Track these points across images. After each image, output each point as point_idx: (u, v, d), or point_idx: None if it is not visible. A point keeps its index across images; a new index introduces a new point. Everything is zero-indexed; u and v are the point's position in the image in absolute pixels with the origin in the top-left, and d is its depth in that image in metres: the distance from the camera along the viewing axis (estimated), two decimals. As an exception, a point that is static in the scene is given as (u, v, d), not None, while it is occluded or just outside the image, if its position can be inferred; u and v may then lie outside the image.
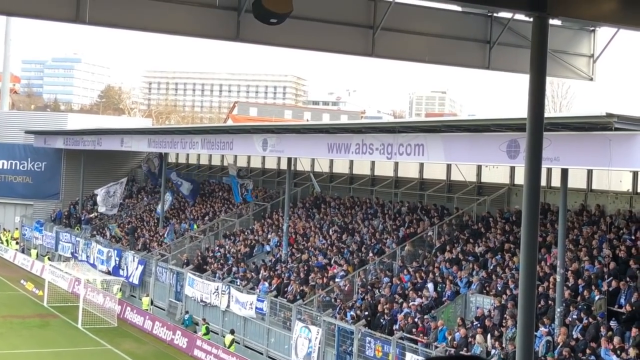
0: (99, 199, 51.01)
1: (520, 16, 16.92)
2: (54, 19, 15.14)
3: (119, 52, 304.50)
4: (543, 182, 24.29)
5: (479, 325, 24.52)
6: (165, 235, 44.91)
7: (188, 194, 48.24)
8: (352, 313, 28.33)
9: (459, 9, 16.99)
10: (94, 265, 46.19)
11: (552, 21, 16.08)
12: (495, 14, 17.45)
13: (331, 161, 42.05)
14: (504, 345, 23.07)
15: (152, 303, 39.97)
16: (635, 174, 27.00)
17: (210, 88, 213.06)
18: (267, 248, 38.53)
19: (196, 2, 15.00)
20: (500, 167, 30.88)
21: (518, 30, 17.57)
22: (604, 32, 18.89)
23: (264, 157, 47.02)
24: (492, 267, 27.21)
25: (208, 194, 50.48)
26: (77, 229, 53.99)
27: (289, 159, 36.64)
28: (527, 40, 16.38)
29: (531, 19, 15.67)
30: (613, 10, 15.15)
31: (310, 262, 33.99)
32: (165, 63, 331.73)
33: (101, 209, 51.27)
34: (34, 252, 54.78)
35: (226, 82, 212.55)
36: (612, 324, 21.74)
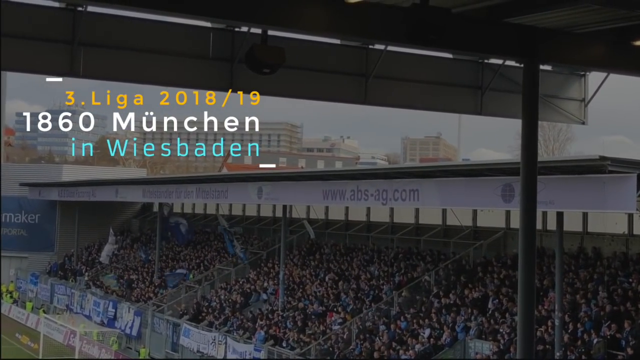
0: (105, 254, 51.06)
1: (511, 62, 17.10)
2: (48, 73, 15.24)
3: (113, 103, 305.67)
4: (539, 226, 24.32)
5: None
6: (168, 284, 44.60)
7: (185, 233, 48.13)
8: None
9: (450, 56, 17.18)
10: (89, 317, 45.81)
11: (542, 66, 16.29)
12: (486, 60, 17.64)
13: (327, 208, 42.04)
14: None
15: (149, 354, 39.55)
16: (630, 216, 27.02)
17: (204, 137, 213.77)
18: (264, 296, 38.28)
19: (190, 54, 15.15)
20: (495, 211, 30.89)
21: (509, 75, 17.76)
22: (594, 76, 19.10)
23: (259, 205, 46.99)
24: (490, 312, 27.06)
25: (203, 242, 50.29)
26: (72, 280, 53.68)
27: (284, 207, 36.61)
28: (519, 85, 16.56)
29: (522, 65, 15.88)
30: (602, 55, 15.36)
31: (307, 310, 33.77)
32: (160, 112, 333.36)
33: (105, 260, 51.23)
34: (29, 304, 54.32)
35: (220, 130, 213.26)
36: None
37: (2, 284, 58.83)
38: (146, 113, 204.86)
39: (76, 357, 37.42)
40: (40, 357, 40.89)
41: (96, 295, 47.41)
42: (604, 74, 18.32)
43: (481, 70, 17.77)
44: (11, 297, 57.46)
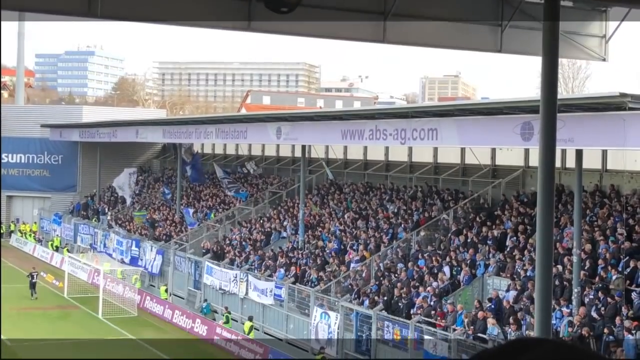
0: (120, 188, 51.66)
1: (531, -2, 16.93)
2: (65, 14, 15.28)
3: (131, 44, 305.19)
4: (558, 164, 24.36)
5: (493, 306, 24.61)
6: (187, 223, 45.12)
7: (190, 177, 48.71)
8: (369, 298, 28.49)
9: (469, -8, 17.02)
10: (112, 256, 46.56)
11: (563, 2, 16.12)
12: (506, -3, 17.46)
13: (345, 147, 42.14)
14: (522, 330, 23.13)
15: (166, 291, 40.22)
16: (650, 153, 26.92)
17: (223, 78, 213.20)
18: (284, 234, 38.73)
19: (208, -7, 15.11)
20: (514, 150, 30.87)
21: (529, 12, 17.58)
22: (615, 12, 18.86)
23: (278, 145, 47.18)
24: (508, 250, 27.27)
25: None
26: (95, 220, 54.42)
27: (303, 147, 36.74)
28: (539, 22, 16.41)
29: (542, 1, 15.71)
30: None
31: (326, 249, 34.16)
32: (178, 54, 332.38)
33: (127, 198, 51.85)
34: (56, 239, 55.07)
35: (239, 71, 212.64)
36: (634, 295, 21.77)
37: (26, 224, 59.88)
38: (162, 55, 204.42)
39: (100, 295, 38.16)
40: (65, 296, 41.76)
41: (119, 235, 48.10)
42: (626, 10, 18.11)
43: (501, 7, 17.61)
44: (34, 237, 58.36)
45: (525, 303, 23.59)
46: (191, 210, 45.33)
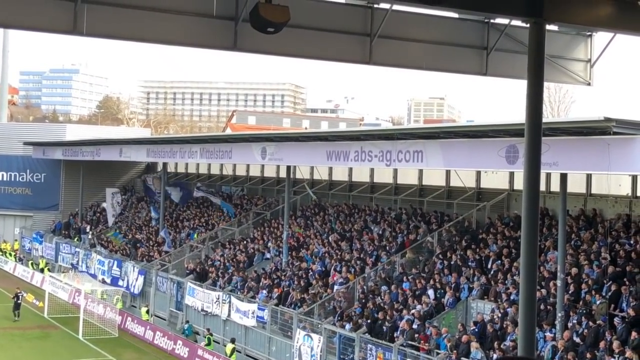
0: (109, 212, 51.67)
1: (517, 22, 16.98)
2: (51, 31, 15.18)
3: (116, 63, 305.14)
4: (542, 187, 24.36)
5: (477, 330, 24.51)
6: (165, 244, 44.90)
7: (178, 200, 49.29)
8: (353, 320, 28.28)
9: (455, 15, 17.04)
10: (94, 276, 46.13)
11: (548, 26, 16.16)
12: (492, 20, 17.51)
13: (330, 169, 42.06)
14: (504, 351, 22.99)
15: (148, 312, 39.85)
16: (634, 177, 26.99)
17: (208, 97, 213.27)
18: (267, 255, 38.49)
19: (193, 12, 15.05)
20: (499, 173, 30.88)
21: (515, 36, 17.64)
22: (600, 37, 18.96)
23: (263, 166, 47.06)
24: (492, 273, 27.19)
25: (208, 203, 50.41)
26: (77, 239, 53.94)
27: (288, 167, 36.63)
28: (524, 46, 16.45)
29: (528, 25, 15.74)
30: (609, 15, 15.22)
31: (310, 271, 33.95)
32: (163, 73, 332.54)
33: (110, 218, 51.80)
34: (42, 261, 54.17)
35: (224, 91, 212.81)
36: (617, 320, 21.69)
37: (7, 243, 59.28)
38: (148, 74, 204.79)
39: (81, 315, 37.74)
40: (46, 316, 41.28)
41: (101, 254, 47.68)
42: (611, 35, 18.20)
43: (487, 31, 17.66)
44: (15, 256, 57.64)
45: (507, 327, 23.47)
46: (169, 236, 45.18)
